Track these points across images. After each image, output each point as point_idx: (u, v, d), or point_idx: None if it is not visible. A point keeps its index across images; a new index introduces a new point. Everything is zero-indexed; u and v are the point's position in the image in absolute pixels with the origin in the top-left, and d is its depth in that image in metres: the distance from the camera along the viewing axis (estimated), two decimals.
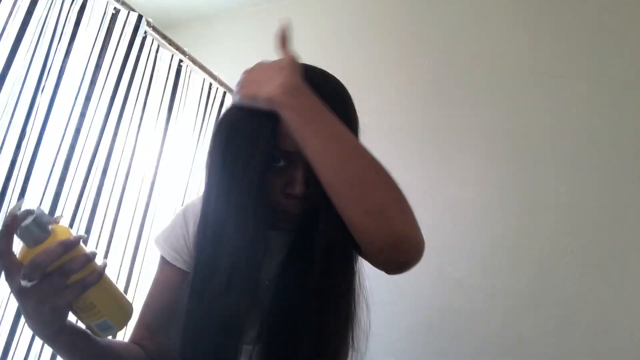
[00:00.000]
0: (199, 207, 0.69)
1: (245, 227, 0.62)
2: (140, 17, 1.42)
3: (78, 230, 1.28)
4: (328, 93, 0.64)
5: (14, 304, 1.13)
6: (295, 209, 0.65)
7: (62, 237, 0.50)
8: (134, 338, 0.73)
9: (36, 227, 0.49)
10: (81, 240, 0.51)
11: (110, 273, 1.47)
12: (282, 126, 0.59)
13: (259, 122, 0.61)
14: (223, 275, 0.62)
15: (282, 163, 0.63)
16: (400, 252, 0.58)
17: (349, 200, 0.57)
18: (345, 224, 0.58)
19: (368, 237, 0.57)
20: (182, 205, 1.65)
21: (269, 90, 0.59)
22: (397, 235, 0.56)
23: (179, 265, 0.73)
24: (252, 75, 0.64)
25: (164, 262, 0.75)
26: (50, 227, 0.50)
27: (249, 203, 0.61)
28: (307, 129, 0.57)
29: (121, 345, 0.71)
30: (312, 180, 0.61)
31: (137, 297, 1.47)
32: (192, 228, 0.74)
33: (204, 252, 0.65)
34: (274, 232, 0.70)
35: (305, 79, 0.61)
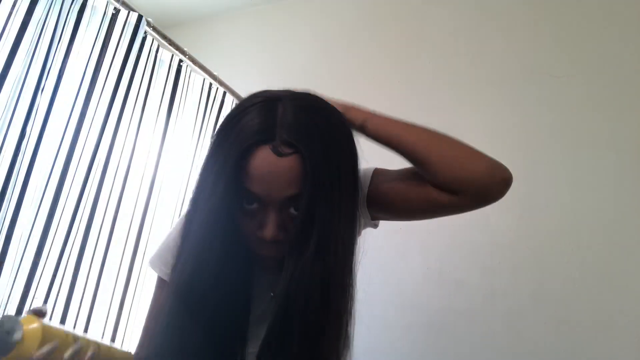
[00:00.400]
0: None
1: (228, 267, 0.59)
2: (140, 17, 1.42)
3: (78, 230, 1.28)
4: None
5: (14, 303, 1.13)
6: (269, 252, 0.62)
7: (29, 344, 0.48)
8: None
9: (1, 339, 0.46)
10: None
11: (109, 274, 1.46)
12: (249, 168, 0.55)
13: (226, 156, 0.56)
14: (212, 310, 0.60)
15: (254, 205, 0.59)
16: (494, 181, 0.68)
17: (448, 165, 0.68)
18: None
19: (468, 180, 0.66)
20: (180, 208, 1.65)
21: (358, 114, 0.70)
22: (488, 168, 0.69)
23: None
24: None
25: (161, 282, 0.74)
26: (16, 335, 0.48)
27: (228, 241, 0.59)
28: (393, 125, 0.71)
29: None
30: (286, 220, 0.59)
31: (137, 300, 1.47)
32: None
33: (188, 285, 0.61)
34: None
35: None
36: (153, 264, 0.76)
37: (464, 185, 0.66)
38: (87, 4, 1.30)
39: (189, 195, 1.68)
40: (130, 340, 1.43)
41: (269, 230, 0.58)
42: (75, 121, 1.26)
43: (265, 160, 0.55)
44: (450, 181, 0.67)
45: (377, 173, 0.77)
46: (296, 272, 0.58)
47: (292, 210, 0.59)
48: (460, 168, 0.67)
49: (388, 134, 0.71)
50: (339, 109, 0.66)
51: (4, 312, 1.12)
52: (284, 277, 0.59)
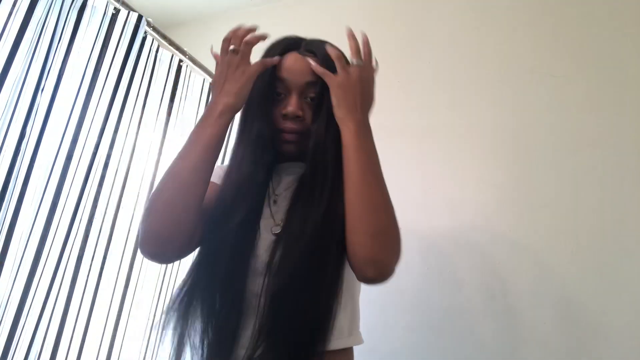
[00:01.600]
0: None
1: (260, 139, 0.83)
2: (140, 17, 1.42)
3: (78, 230, 1.28)
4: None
5: (14, 303, 1.13)
6: (290, 127, 0.83)
7: None
8: None
9: None
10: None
11: (110, 274, 1.46)
12: (283, 62, 0.85)
13: (267, 72, 0.84)
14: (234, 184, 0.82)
15: (281, 94, 0.85)
16: (385, 269, 0.74)
17: (362, 222, 0.73)
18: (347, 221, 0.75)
19: (364, 254, 0.73)
20: None
21: (357, 105, 0.80)
22: (389, 256, 0.74)
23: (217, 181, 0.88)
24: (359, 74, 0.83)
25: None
26: None
27: (262, 122, 0.84)
28: (362, 142, 0.77)
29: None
30: (305, 106, 0.84)
31: (137, 300, 1.47)
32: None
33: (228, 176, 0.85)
34: (284, 166, 0.88)
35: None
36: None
37: (355, 257, 0.75)
38: (87, 4, 1.30)
39: None
40: (130, 340, 1.43)
41: (292, 105, 0.83)
42: (75, 121, 1.26)
43: (293, 57, 0.86)
44: (354, 245, 0.76)
45: None
46: (314, 138, 0.82)
47: (308, 99, 0.84)
48: (363, 241, 0.75)
49: (355, 145, 0.78)
50: None
51: (4, 312, 1.12)
52: (311, 144, 0.82)
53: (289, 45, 0.88)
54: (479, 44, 1.74)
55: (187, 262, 0.87)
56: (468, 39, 1.76)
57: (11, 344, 1.12)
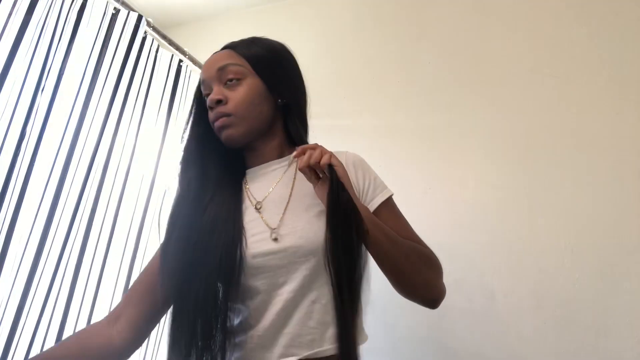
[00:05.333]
0: None
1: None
2: (140, 17, 1.42)
3: (78, 230, 1.28)
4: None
5: (14, 303, 1.13)
6: (215, 114, 0.84)
7: None
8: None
9: None
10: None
11: (110, 274, 1.46)
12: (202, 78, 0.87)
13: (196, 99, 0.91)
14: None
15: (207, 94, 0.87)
16: (436, 302, 0.86)
17: (410, 281, 0.81)
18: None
19: (419, 297, 0.84)
20: None
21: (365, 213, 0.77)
22: (436, 295, 0.85)
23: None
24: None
25: None
26: None
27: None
28: (385, 239, 0.77)
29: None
30: (226, 90, 0.84)
31: None
32: None
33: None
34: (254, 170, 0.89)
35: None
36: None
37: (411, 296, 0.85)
38: (87, 4, 1.30)
39: None
40: None
41: (213, 94, 0.83)
42: (75, 121, 1.26)
43: (209, 57, 0.89)
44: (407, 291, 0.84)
45: (390, 204, 0.88)
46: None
47: (227, 83, 0.84)
48: (415, 291, 0.84)
49: (379, 243, 0.78)
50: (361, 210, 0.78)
51: (4, 312, 1.12)
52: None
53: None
54: (479, 44, 1.74)
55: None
56: (468, 39, 1.76)
57: (11, 344, 1.12)
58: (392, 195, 0.88)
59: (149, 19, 1.46)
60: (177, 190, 0.87)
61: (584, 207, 1.42)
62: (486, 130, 1.62)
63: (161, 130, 1.58)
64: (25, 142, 1.15)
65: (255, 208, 0.83)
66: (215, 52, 0.90)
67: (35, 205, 1.18)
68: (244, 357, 0.76)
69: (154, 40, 1.52)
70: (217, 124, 0.83)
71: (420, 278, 0.81)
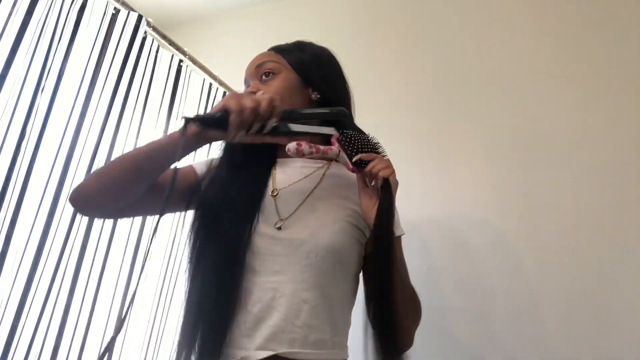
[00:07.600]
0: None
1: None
2: (140, 17, 1.42)
3: (78, 230, 1.28)
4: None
5: (14, 303, 1.13)
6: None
7: None
8: None
9: None
10: None
11: (110, 274, 1.45)
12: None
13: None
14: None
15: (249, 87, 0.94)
16: (401, 352, 0.82)
17: (397, 323, 0.79)
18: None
19: (391, 341, 0.80)
20: None
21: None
22: (408, 344, 0.85)
23: (197, 169, 0.93)
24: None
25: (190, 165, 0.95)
26: None
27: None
28: (397, 275, 0.81)
29: None
30: (262, 85, 0.91)
31: (138, 298, 1.47)
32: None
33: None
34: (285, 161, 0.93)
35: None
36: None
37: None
38: (87, 4, 1.29)
39: None
40: (131, 340, 1.43)
41: (249, 88, 0.91)
42: (75, 121, 1.26)
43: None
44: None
45: (399, 242, 0.91)
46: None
47: (264, 77, 0.91)
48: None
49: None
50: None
51: (4, 312, 1.12)
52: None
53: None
54: (479, 44, 1.74)
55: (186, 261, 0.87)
56: (468, 39, 1.76)
57: (11, 344, 1.12)
58: (403, 235, 0.92)
59: (149, 19, 1.46)
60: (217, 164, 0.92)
61: (584, 207, 1.42)
62: (486, 130, 1.61)
63: (161, 130, 1.58)
64: (25, 142, 1.15)
65: (272, 195, 0.86)
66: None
67: (35, 205, 1.18)
68: (230, 342, 0.76)
69: (154, 40, 1.52)
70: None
71: (404, 323, 0.83)
